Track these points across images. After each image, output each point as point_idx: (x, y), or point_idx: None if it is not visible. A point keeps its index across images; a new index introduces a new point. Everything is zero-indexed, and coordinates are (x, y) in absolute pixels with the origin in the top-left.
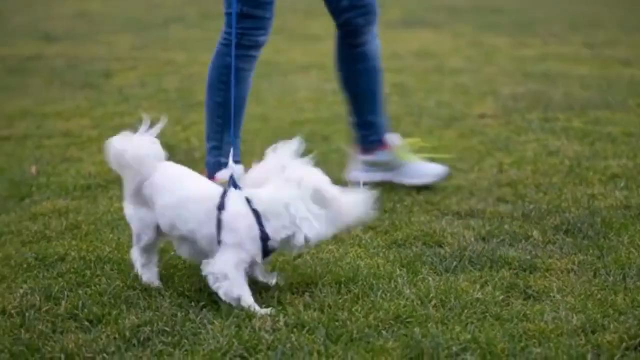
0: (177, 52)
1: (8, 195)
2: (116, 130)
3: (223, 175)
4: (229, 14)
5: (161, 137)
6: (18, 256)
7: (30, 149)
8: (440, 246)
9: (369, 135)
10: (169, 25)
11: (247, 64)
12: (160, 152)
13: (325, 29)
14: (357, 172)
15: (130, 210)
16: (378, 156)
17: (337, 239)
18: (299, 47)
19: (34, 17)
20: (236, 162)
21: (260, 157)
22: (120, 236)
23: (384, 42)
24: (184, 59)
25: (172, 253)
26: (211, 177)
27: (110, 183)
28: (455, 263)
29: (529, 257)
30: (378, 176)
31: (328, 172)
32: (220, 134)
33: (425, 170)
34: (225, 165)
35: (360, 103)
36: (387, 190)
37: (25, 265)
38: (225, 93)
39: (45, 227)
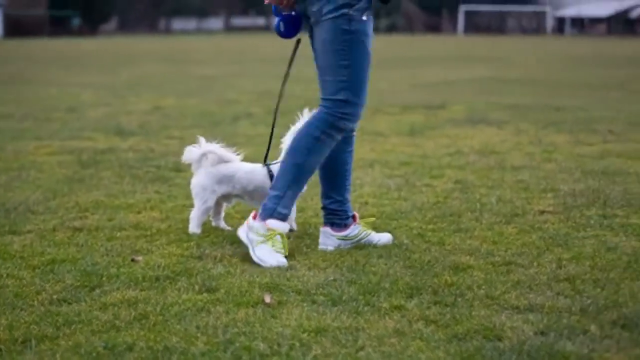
0: (245, 147)
1: (79, 285)
2: (185, 223)
3: (273, 224)
4: (324, 99)
5: (226, 230)
6: (87, 345)
7: (101, 240)
8: (500, 340)
9: (345, 211)
10: (238, 121)
11: (332, 141)
12: None
13: (390, 126)
14: (328, 246)
15: None
16: (352, 230)
17: (398, 331)
18: (365, 144)
19: (109, 111)
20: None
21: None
22: (187, 327)
23: (448, 139)
24: (251, 153)
25: None
26: (263, 219)
27: (177, 275)
28: (514, 357)
29: (586, 352)
30: (348, 245)
31: (389, 268)
32: (286, 189)
33: (380, 236)
34: (281, 215)
35: (340, 181)
36: (448, 284)
37: (94, 354)
38: (306, 158)
39: (114, 317)
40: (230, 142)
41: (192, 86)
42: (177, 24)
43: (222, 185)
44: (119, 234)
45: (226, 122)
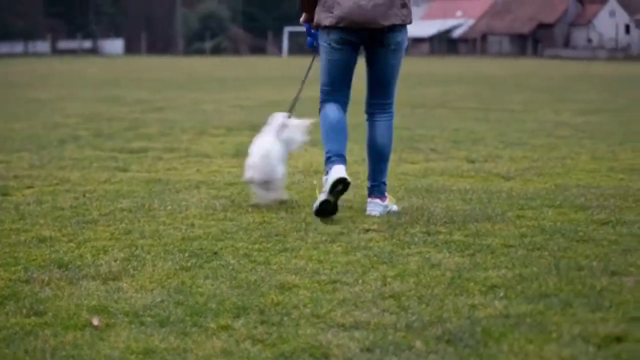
0: (72, 171)
1: None
2: (12, 246)
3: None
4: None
5: (54, 254)
6: None
7: None
8: (326, 358)
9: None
10: (64, 144)
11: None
12: None
13: (215, 148)
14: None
15: None
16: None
17: (226, 351)
18: (191, 166)
19: None
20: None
21: (150, 271)
22: (15, 350)
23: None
24: (78, 177)
25: None
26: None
27: (5, 299)
28: None
29: None
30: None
31: (216, 288)
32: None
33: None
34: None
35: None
36: (274, 303)
37: None
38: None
39: None
40: (56, 165)
41: (18, 110)
42: (3, 47)
43: None
44: None
45: (53, 146)
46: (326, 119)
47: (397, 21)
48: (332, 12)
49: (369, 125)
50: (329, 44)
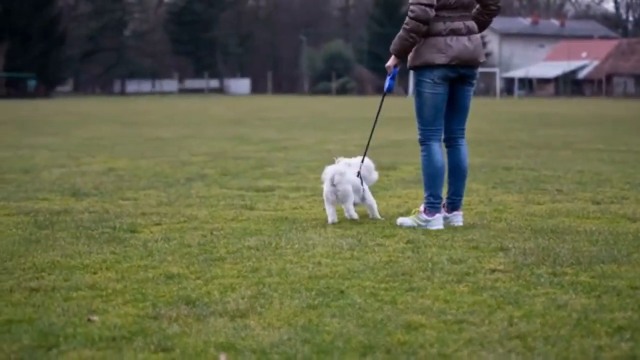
0: (199, 209)
1: (36, 345)
2: (141, 283)
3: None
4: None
5: (182, 290)
6: None
7: (58, 301)
8: None
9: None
10: (191, 182)
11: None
12: None
13: None
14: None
15: None
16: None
17: None
18: (317, 205)
19: (64, 172)
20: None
21: (277, 309)
22: None
23: (399, 199)
24: (205, 214)
25: None
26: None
27: (133, 334)
28: None
29: None
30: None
31: (342, 327)
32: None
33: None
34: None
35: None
36: (401, 343)
37: None
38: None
39: None
40: (183, 203)
41: (145, 148)
42: (132, 86)
43: None
44: (75, 294)
45: (180, 184)
46: (434, 162)
47: (483, 59)
48: (445, 53)
49: (453, 150)
50: (433, 80)
